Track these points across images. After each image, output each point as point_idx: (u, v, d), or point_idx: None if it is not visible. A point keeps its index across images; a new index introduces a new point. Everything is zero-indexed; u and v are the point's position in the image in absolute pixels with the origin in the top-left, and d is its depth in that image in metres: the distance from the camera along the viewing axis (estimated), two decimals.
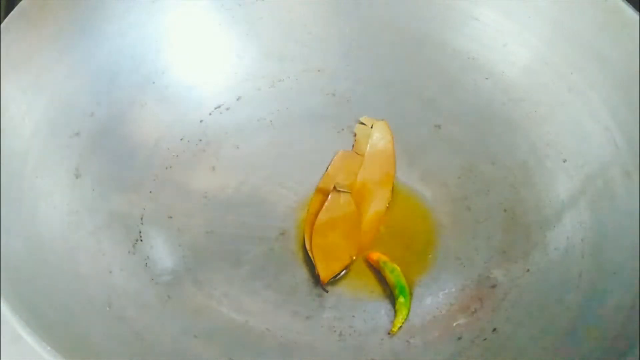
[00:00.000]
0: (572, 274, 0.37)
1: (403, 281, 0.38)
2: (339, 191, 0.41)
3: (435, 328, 0.37)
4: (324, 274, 0.39)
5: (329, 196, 0.41)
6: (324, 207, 0.41)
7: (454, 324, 0.37)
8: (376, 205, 0.42)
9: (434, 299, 0.39)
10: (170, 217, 0.41)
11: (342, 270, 0.40)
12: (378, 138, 0.43)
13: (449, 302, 0.38)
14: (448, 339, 0.37)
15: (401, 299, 0.38)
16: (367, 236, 0.41)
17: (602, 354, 0.32)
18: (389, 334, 0.37)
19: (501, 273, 0.39)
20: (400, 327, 0.37)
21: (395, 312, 0.38)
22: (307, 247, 0.40)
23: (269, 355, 0.37)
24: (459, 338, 0.37)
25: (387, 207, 0.42)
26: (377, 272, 0.40)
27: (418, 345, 0.37)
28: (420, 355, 0.36)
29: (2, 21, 0.37)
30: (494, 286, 0.39)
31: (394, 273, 0.39)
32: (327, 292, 0.39)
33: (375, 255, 0.40)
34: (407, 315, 0.38)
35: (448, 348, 0.36)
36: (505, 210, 0.41)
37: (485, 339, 0.36)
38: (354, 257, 0.40)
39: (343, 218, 0.41)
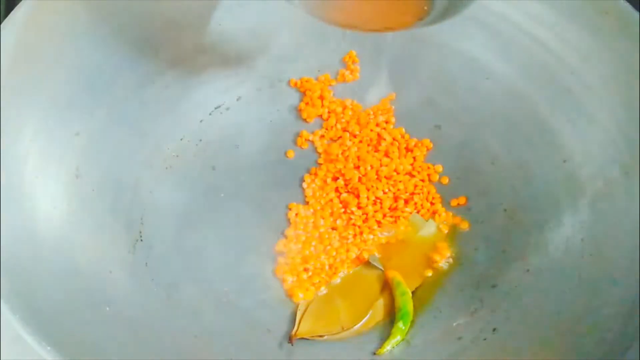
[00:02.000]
0: (572, 274, 0.37)
1: (409, 307, 0.37)
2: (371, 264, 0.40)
3: (435, 328, 0.37)
4: (300, 332, 0.37)
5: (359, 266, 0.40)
6: (349, 273, 0.40)
7: (454, 324, 0.37)
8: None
9: (433, 298, 0.39)
10: (170, 217, 0.41)
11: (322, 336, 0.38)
12: None
13: (449, 302, 0.38)
14: (448, 339, 0.37)
15: (400, 324, 0.37)
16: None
17: (602, 354, 0.32)
18: (374, 354, 0.36)
19: (501, 273, 0.39)
20: (389, 350, 0.36)
21: (390, 334, 0.37)
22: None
23: (269, 355, 0.37)
24: (459, 338, 0.37)
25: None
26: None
27: (418, 345, 0.37)
28: (420, 355, 0.36)
29: (2, 21, 0.37)
30: (494, 286, 0.39)
31: (404, 297, 0.38)
32: (292, 345, 0.37)
33: (391, 274, 0.39)
34: (399, 342, 0.37)
35: (448, 348, 0.36)
36: (505, 210, 0.41)
37: (485, 339, 0.36)
38: (344, 329, 0.38)
39: (361, 287, 0.39)
